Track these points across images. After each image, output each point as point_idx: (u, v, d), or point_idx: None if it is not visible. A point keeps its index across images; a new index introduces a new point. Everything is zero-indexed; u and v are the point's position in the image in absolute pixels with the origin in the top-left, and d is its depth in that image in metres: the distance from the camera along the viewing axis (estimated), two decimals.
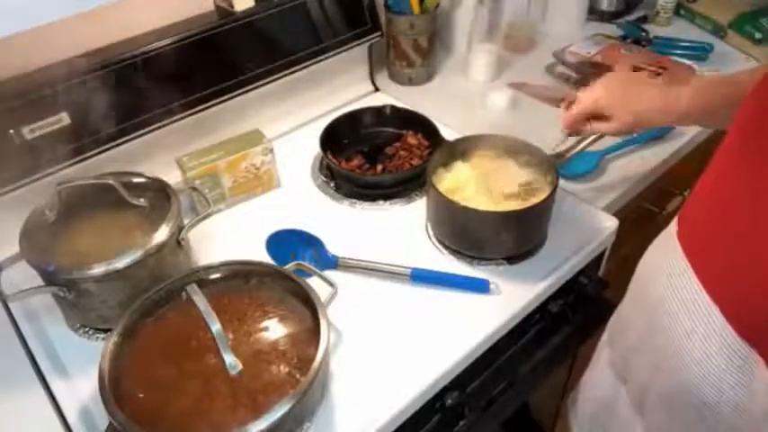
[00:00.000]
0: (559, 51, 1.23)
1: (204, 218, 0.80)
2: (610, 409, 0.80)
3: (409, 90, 1.22)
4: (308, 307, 0.69)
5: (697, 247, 0.62)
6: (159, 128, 0.92)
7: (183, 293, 0.69)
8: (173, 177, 0.88)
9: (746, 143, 0.57)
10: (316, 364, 0.62)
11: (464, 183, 0.85)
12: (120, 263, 0.71)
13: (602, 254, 0.93)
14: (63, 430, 0.69)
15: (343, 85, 1.17)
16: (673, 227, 0.67)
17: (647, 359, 0.70)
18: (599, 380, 0.83)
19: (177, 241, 0.78)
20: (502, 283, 0.81)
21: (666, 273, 0.65)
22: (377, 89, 1.23)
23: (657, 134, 1.05)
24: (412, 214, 0.93)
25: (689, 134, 1.06)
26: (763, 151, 0.53)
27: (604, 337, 0.83)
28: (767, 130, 0.53)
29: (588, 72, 1.17)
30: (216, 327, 0.62)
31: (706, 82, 0.78)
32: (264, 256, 0.84)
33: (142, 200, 0.79)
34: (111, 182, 0.77)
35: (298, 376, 0.63)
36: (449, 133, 1.03)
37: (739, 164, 0.58)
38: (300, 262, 0.77)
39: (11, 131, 0.80)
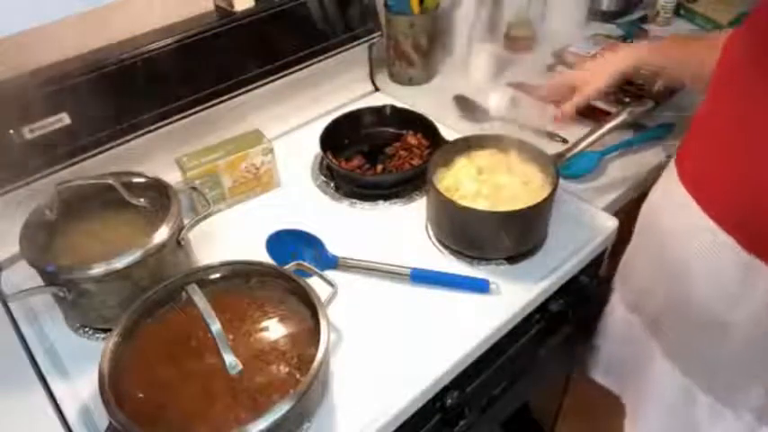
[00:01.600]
0: (559, 51, 1.23)
1: (204, 218, 0.80)
2: (625, 339, 0.88)
3: (409, 90, 1.22)
4: (308, 307, 0.69)
5: (697, 179, 0.68)
6: (159, 128, 0.92)
7: (183, 293, 0.69)
8: (173, 177, 0.88)
9: (734, 74, 0.63)
10: (316, 364, 0.62)
11: (464, 183, 0.85)
12: (120, 263, 0.71)
13: (602, 254, 0.93)
14: (63, 430, 0.69)
15: (343, 85, 1.17)
16: (672, 165, 0.73)
17: (660, 290, 0.76)
18: (611, 322, 0.91)
19: (177, 241, 0.78)
20: (502, 283, 0.81)
21: (671, 208, 0.72)
22: (377, 89, 1.23)
23: (657, 134, 1.05)
24: (412, 214, 0.93)
25: None
26: (751, 79, 0.59)
27: (614, 284, 0.90)
28: (754, 62, 0.59)
29: None
30: (216, 327, 0.62)
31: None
32: (264, 256, 0.84)
33: (142, 200, 0.79)
34: (111, 182, 0.77)
35: (298, 376, 0.63)
36: (449, 133, 1.03)
37: (728, 95, 0.64)
38: (300, 262, 0.76)
39: (11, 131, 0.80)
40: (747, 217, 0.62)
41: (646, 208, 0.80)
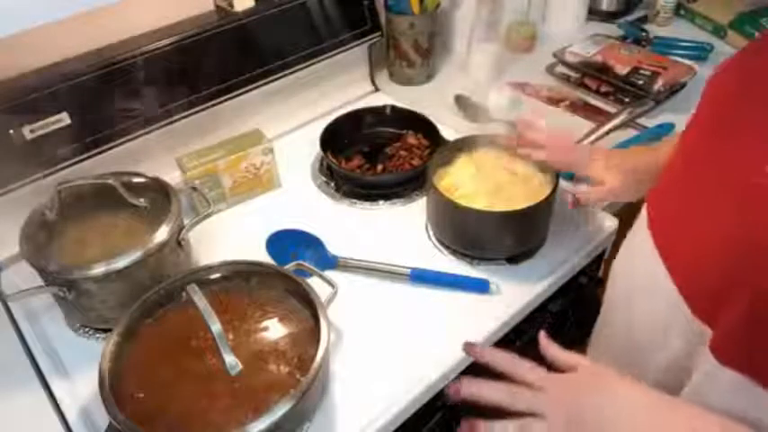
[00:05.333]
0: (559, 51, 1.23)
1: (204, 218, 0.80)
2: None
3: (409, 90, 1.22)
4: (308, 307, 0.69)
5: (663, 231, 0.64)
6: (159, 128, 0.92)
7: (183, 293, 0.69)
8: (173, 177, 0.88)
9: (711, 126, 0.59)
10: (316, 364, 0.62)
11: (464, 183, 0.85)
12: (120, 263, 0.71)
13: (602, 254, 0.93)
14: (63, 430, 0.69)
15: (343, 85, 1.17)
16: (644, 211, 0.70)
17: (605, 331, 0.76)
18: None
19: (177, 241, 0.78)
20: (502, 283, 0.81)
21: (638, 255, 0.68)
22: (377, 89, 1.23)
23: (657, 134, 1.05)
24: (412, 214, 0.93)
25: None
26: (726, 133, 0.56)
27: None
28: (730, 114, 0.55)
29: (588, 72, 1.17)
30: (216, 327, 0.62)
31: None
32: (264, 256, 0.84)
33: (142, 200, 0.79)
34: (111, 182, 0.77)
35: (298, 376, 0.63)
36: (449, 133, 1.03)
37: (699, 147, 0.60)
38: (300, 262, 0.76)
39: (11, 131, 0.80)
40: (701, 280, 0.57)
41: (622, 247, 0.76)
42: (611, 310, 0.77)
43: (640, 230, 0.68)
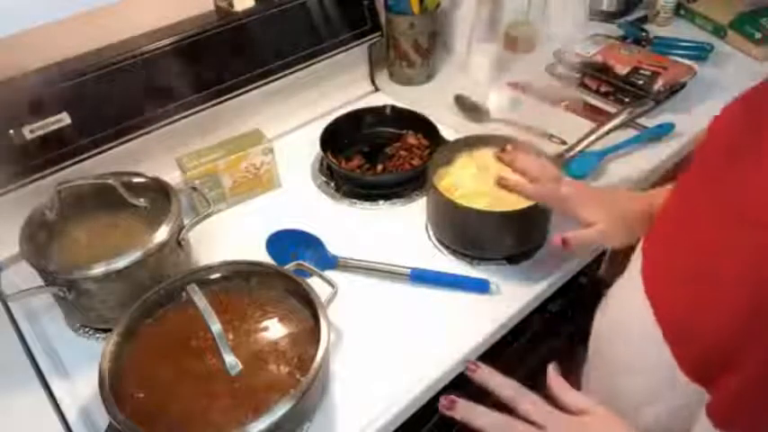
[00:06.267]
0: (559, 51, 1.23)
1: (204, 218, 0.80)
2: None
3: (409, 90, 1.22)
4: (308, 307, 0.69)
5: (655, 282, 0.58)
6: (159, 128, 0.92)
7: (183, 293, 0.69)
8: (173, 177, 0.88)
9: (708, 172, 0.54)
10: (316, 364, 0.62)
11: (464, 183, 0.85)
12: (120, 263, 0.71)
13: (603, 254, 0.93)
14: (63, 430, 0.69)
15: (343, 85, 1.17)
16: (638, 257, 0.63)
17: (594, 375, 0.69)
18: None
19: (177, 241, 0.78)
20: (502, 283, 0.81)
21: (627, 306, 0.62)
22: (377, 89, 1.23)
23: (657, 134, 1.05)
24: (412, 214, 0.93)
25: (689, 134, 1.06)
26: (725, 183, 0.51)
27: None
28: (729, 161, 0.51)
29: (588, 72, 1.17)
30: (216, 327, 0.62)
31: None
32: (264, 256, 0.84)
33: (142, 200, 0.79)
34: (111, 182, 0.77)
35: (298, 376, 0.63)
36: (449, 133, 1.03)
37: (697, 198, 0.55)
38: (300, 262, 0.76)
39: (11, 131, 0.80)
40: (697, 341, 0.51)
41: (612, 290, 0.70)
42: (598, 353, 0.69)
43: (635, 270, 0.61)
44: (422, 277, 0.81)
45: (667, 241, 0.59)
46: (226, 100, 0.98)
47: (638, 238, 0.65)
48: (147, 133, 0.92)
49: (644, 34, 1.31)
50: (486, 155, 0.89)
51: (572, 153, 0.87)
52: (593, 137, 0.88)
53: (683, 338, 0.53)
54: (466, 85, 1.20)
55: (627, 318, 0.62)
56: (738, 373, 0.47)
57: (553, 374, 0.55)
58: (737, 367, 0.46)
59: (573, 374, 1.00)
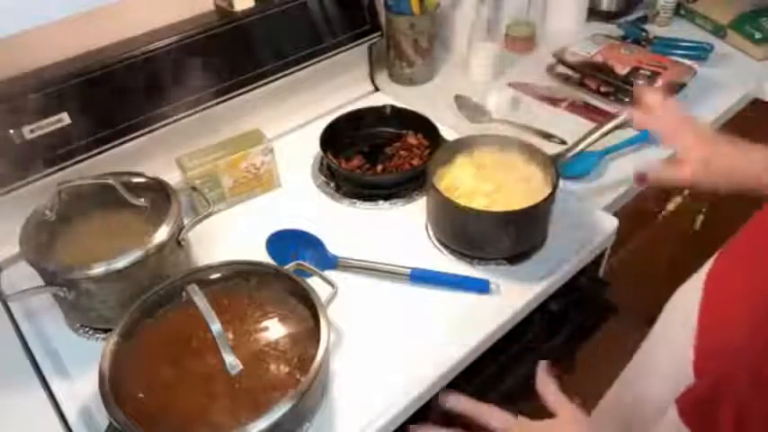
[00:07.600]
0: (559, 51, 1.23)
1: (204, 218, 0.80)
2: None
3: (409, 90, 1.22)
4: (308, 307, 0.69)
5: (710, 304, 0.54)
6: (159, 128, 0.92)
7: (183, 293, 0.69)
8: (173, 177, 0.88)
9: None
10: (316, 364, 0.62)
11: (464, 182, 0.85)
12: (120, 263, 0.71)
13: (603, 254, 0.93)
14: (63, 430, 0.69)
15: (343, 85, 1.17)
16: (704, 272, 0.58)
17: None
18: None
19: (177, 241, 0.78)
20: (502, 283, 0.81)
21: (680, 319, 0.58)
22: (377, 89, 1.22)
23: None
24: (412, 214, 0.93)
25: None
26: None
27: None
28: None
29: (588, 72, 1.17)
30: (216, 327, 0.62)
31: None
32: (264, 256, 0.84)
33: (142, 200, 0.79)
34: (111, 182, 0.77)
35: (298, 376, 0.63)
36: (449, 133, 1.03)
37: None
38: (300, 262, 0.76)
39: (11, 131, 0.80)
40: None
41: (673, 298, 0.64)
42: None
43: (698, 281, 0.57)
44: (422, 277, 0.81)
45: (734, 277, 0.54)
46: (226, 100, 0.98)
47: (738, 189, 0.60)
48: (147, 133, 0.92)
49: (644, 34, 1.31)
50: (486, 155, 0.89)
51: (572, 153, 0.87)
52: (593, 137, 0.87)
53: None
54: (466, 85, 1.20)
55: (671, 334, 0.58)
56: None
57: (541, 372, 0.55)
58: None
59: (568, 374, 0.99)
